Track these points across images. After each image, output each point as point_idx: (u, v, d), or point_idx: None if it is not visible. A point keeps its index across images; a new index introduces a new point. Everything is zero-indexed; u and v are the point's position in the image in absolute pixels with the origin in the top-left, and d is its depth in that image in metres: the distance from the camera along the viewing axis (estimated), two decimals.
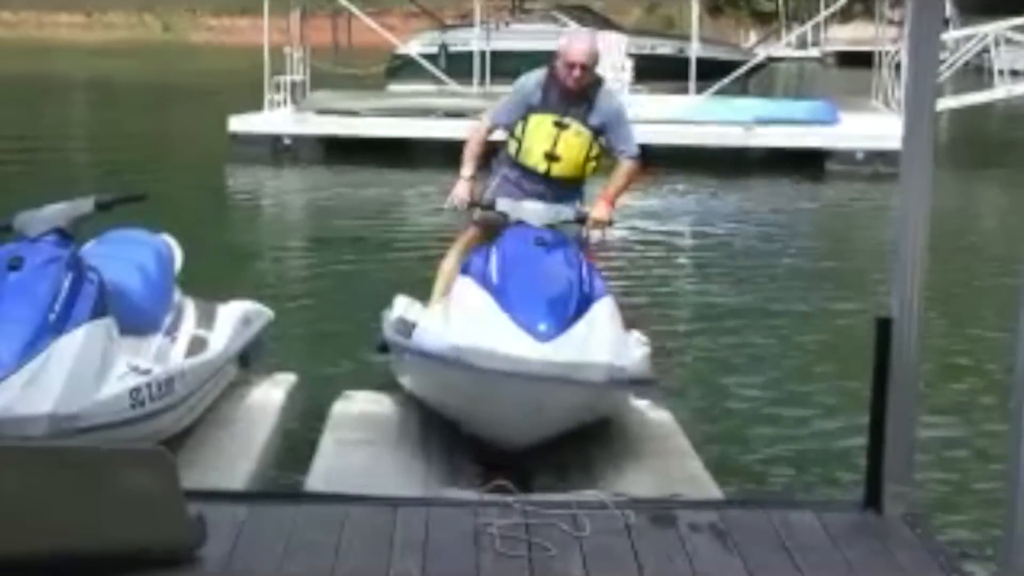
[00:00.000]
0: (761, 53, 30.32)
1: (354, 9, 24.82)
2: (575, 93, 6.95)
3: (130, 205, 6.24)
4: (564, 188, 7.10)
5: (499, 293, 6.13)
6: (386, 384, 7.14)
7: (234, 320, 6.78)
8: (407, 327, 6.82)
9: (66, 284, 5.29)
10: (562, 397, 5.76)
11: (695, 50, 23.79)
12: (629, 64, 25.65)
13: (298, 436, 6.69)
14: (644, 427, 6.67)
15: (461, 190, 7.12)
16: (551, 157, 7.00)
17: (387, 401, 6.97)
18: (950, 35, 25.71)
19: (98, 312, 5.34)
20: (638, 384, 6.39)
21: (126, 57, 50.23)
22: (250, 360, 7.08)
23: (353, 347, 8.78)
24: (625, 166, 7.26)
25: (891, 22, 27.88)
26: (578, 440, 6.31)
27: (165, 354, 5.97)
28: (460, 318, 6.20)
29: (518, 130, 7.04)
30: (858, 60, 35.67)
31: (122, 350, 5.49)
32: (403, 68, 26.60)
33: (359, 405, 6.93)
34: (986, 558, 5.37)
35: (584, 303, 6.19)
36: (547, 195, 7.00)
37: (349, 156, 21.12)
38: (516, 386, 5.61)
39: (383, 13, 31.94)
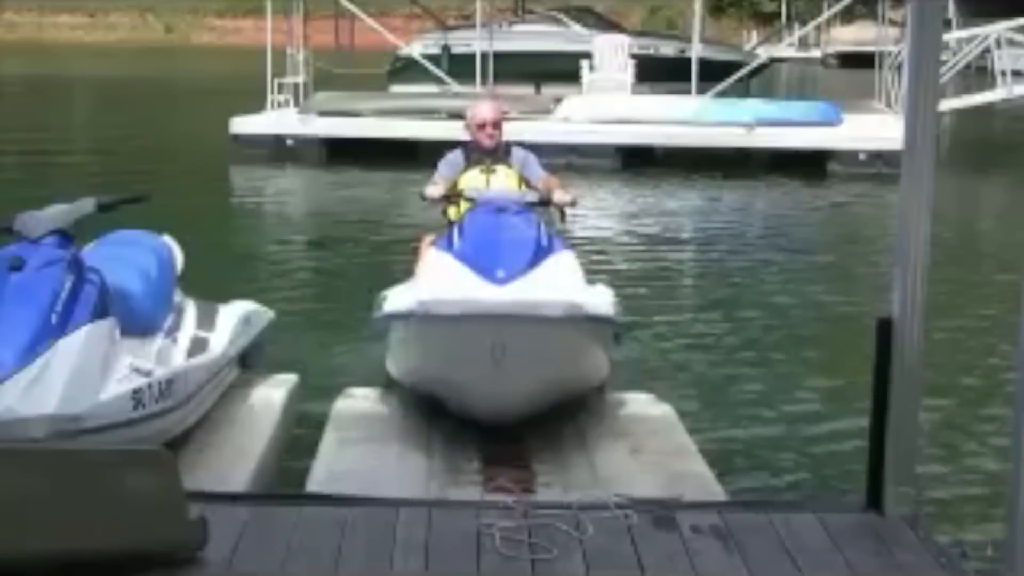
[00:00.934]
0: (763, 54, 30.38)
1: (356, 10, 24.84)
2: (493, 150, 7.66)
3: (133, 205, 6.24)
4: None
5: (460, 252, 6.42)
6: (389, 382, 7.15)
7: (235, 321, 6.77)
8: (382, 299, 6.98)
9: (67, 285, 5.27)
10: (523, 335, 5.85)
11: (697, 51, 23.78)
12: (631, 65, 25.69)
13: (299, 437, 6.69)
14: (645, 422, 6.68)
15: (433, 188, 7.62)
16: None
17: (389, 398, 6.98)
18: (952, 36, 25.70)
19: (99, 313, 5.33)
20: (599, 321, 6.38)
21: (128, 58, 50.34)
22: (251, 361, 7.08)
23: (354, 347, 8.79)
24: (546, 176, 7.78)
25: (893, 23, 27.89)
26: (579, 437, 6.38)
27: (166, 355, 5.96)
28: (425, 278, 6.53)
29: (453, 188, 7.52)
30: (860, 61, 35.68)
31: (123, 351, 5.48)
32: (405, 69, 26.64)
33: (361, 403, 6.93)
34: (988, 559, 5.37)
35: (543, 254, 6.42)
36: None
37: (351, 157, 21.14)
38: (476, 326, 5.81)
39: (386, 14, 31.97)
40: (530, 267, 6.26)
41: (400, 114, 22.16)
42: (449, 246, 6.57)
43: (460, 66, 25.36)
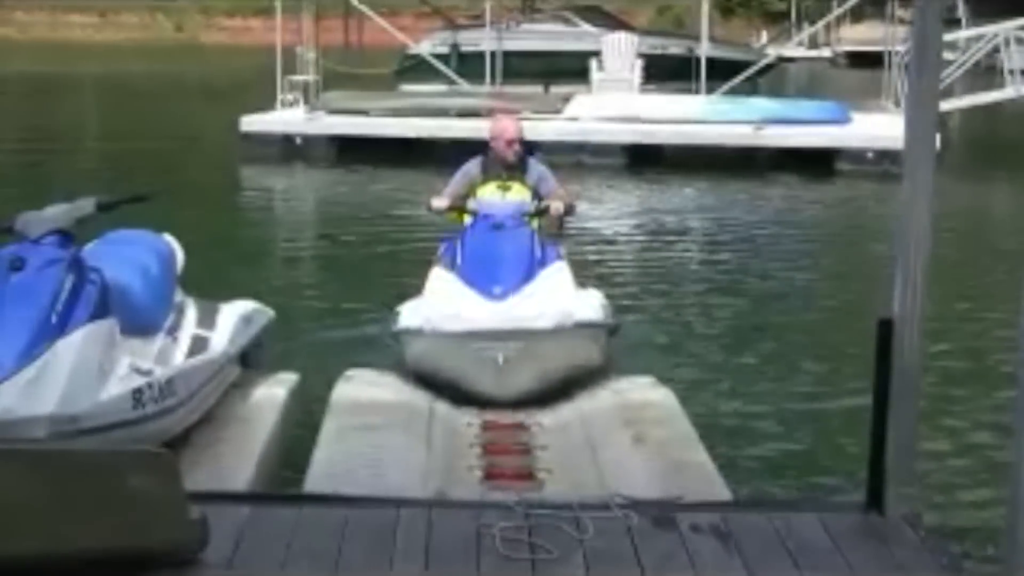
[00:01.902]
0: (772, 53, 30.37)
1: (366, 9, 24.89)
2: (514, 164, 8.24)
3: (139, 204, 6.22)
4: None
5: (461, 271, 7.22)
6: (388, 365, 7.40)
7: (235, 320, 6.76)
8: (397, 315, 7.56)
9: (67, 285, 5.27)
10: (519, 346, 6.73)
11: (705, 50, 23.79)
12: (639, 64, 25.69)
13: (300, 436, 6.68)
14: (647, 409, 6.74)
15: (438, 200, 8.29)
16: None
17: (388, 379, 7.15)
18: (961, 35, 25.64)
19: (99, 313, 5.33)
20: (589, 327, 7.13)
21: (139, 57, 50.42)
22: (251, 360, 7.08)
23: (356, 346, 8.80)
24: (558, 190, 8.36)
25: (902, 22, 27.84)
26: (582, 424, 6.53)
27: (167, 355, 5.96)
28: (430, 296, 7.26)
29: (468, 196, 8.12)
30: (869, 60, 35.66)
31: (124, 351, 5.48)
32: (415, 68, 26.67)
33: (362, 387, 7.00)
34: (988, 559, 5.37)
35: (536, 267, 7.23)
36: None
37: (360, 156, 21.16)
38: (478, 342, 6.72)
39: (395, 13, 31.98)
40: (524, 281, 7.07)
41: (409, 113, 22.16)
42: (451, 263, 7.36)
43: (469, 65, 25.40)
